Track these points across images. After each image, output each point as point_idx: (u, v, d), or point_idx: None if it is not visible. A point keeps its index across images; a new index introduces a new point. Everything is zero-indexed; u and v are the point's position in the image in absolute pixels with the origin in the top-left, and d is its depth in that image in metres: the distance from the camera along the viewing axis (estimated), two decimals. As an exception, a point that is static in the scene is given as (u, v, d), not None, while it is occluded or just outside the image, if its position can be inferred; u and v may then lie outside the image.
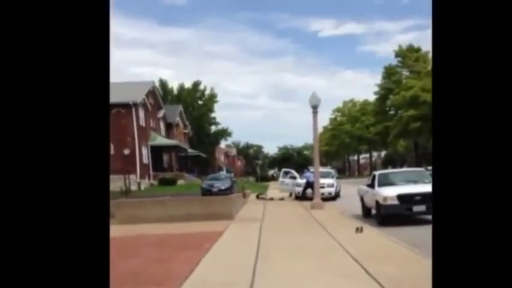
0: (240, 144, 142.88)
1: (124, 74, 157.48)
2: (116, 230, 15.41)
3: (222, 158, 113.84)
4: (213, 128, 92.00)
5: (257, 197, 35.75)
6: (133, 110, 48.17)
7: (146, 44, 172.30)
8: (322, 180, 29.59)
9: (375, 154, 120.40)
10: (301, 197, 31.84)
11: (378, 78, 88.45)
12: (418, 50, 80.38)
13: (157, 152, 54.58)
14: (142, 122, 50.76)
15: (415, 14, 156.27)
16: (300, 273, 9.02)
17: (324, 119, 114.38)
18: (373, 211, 19.11)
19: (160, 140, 56.68)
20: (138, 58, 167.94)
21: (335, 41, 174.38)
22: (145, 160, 50.65)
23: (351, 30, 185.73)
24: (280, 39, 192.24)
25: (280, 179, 39.57)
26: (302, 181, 33.25)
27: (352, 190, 27.89)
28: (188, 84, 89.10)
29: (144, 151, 50.81)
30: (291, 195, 35.40)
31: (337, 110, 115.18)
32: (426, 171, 22.10)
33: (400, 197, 16.81)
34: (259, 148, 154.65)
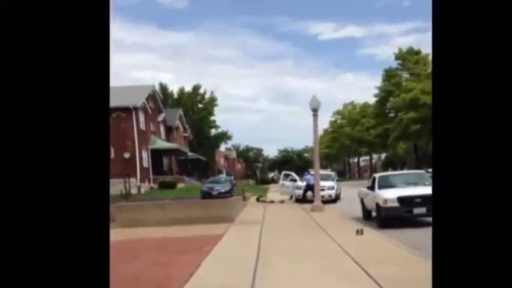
0: (240, 147, 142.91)
1: (124, 78, 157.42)
2: (116, 234, 15.41)
3: (222, 161, 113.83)
4: (213, 131, 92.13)
5: (257, 199, 35.73)
6: (134, 113, 48.23)
7: (146, 48, 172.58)
8: (323, 183, 29.56)
9: (375, 156, 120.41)
10: (302, 200, 31.81)
11: (378, 81, 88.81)
12: (418, 52, 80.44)
13: (157, 155, 54.59)
14: (142, 126, 50.79)
15: (415, 16, 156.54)
16: (300, 276, 9.03)
17: (324, 121, 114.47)
18: (374, 213, 19.11)
19: (161, 143, 56.69)
20: (138, 62, 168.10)
21: (335, 44, 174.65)
22: (145, 164, 50.66)
23: (351, 33, 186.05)
24: (280, 43, 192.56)
25: (281, 182, 39.57)
26: (302, 184, 33.23)
27: (352, 192, 27.87)
28: (188, 88, 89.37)
29: (144, 155, 50.83)
30: (291, 197, 35.38)
31: (337, 112, 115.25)
32: (426, 173, 22.09)
33: (401, 199, 16.81)
34: (259, 151, 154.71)
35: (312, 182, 28.80)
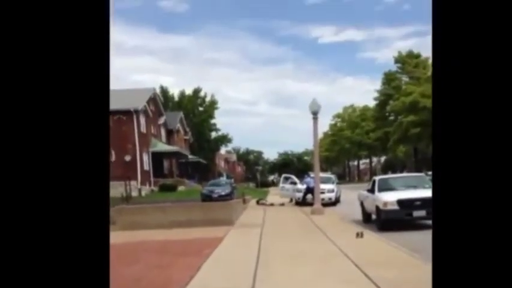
0: (240, 150, 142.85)
1: (125, 81, 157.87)
2: (117, 236, 15.43)
3: (222, 164, 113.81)
4: (214, 134, 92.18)
5: (257, 202, 35.69)
6: (135, 116, 48.28)
7: (147, 51, 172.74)
8: (323, 186, 29.57)
9: (374, 159, 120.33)
10: (302, 203, 31.77)
11: (377, 84, 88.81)
12: (417, 56, 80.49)
13: (158, 158, 54.63)
14: (143, 129, 50.82)
15: (415, 20, 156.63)
16: (300, 279, 9.04)
17: (324, 124, 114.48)
18: (374, 216, 19.10)
19: (161, 146, 56.72)
20: (139, 65, 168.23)
21: (335, 47, 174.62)
22: (146, 166, 50.68)
23: (351, 36, 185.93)
24: (280, 46, 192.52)
25: (281, 185, 39.54)
26: (302, 187, 33.21)
27: (352, 195, 27.88)
28: (189, 91, 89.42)
29: (145, 157, 50.84)
30: (291, 200, 35.36)
31: (337, 115, 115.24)
32: (426, 176, 22.12)
33: (400, 202, 16.81)
34: (259, 154, 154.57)
35: (312, 184, 28.79)
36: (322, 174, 34.16)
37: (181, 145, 68.17)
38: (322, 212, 24.21)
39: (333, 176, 40.64)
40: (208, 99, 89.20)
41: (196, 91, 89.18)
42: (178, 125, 68.82)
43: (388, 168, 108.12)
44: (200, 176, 68.90)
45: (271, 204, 33.63)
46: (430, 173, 29.77)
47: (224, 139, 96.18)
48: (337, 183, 38.73)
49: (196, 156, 71.01)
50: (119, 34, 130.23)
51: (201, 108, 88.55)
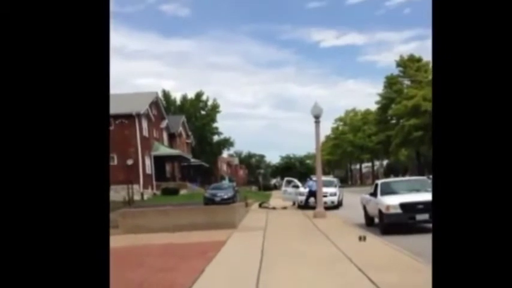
0: (242, 154, 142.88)
1: (127, 85, 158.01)
2: (120, 240, 15.45)
3: (224, 167, 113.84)
4: (216, 138, 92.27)
5: (260, 206, 35.71)
6: (137, 120, 48.37)
7: (149, 56, 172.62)
8: (325, 189, 29.57)
9: (377, 163, 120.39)
10: (304, 206, 31.80)
11: (379, 88, 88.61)
12: (419, 59, 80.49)
13: (160, 162, 54.68)
14: (145, 133, 50.88)
15: (416, 24, 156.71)
16: (303, 282, 9.02)
17: (326, 128, 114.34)
18: (376, 220, 19.09)
19: (163, 150, 56.75)
20: (142, 69, 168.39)
21: (336, 51, 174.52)
22: (148, 170, 50.70)
23: (352, 40, 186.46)
24: (282, 50, 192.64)
25: (283, 188, 39.59)
26: (305, 190, 33.23)
27: (354, 199, 27.85)
28: (191, 95, 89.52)
29: (147, 161, 50.87)
30: (293, 204, 35.37)
31: (339, 119, 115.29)
32: (428, 179, 22.06)
33: (403, 206, 16.79)
34: (261, 157, 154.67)
35: (314, 188, 28.80)
36: (325, 178, 34.12)
37: (184, 149, 68.24)
38: (325, 216, 24.19)
39: (335, 180, 40.67)
40: (210, 103, 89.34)
41: (199, 95, 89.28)
42: (181, 129, 68.92)
43: (390, 171, 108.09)
44: (202, 180, 68.92)
45: (274, 208, 33.64)
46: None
47: (226, 142, 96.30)
48: (340, 187, 38.73)
49: (199, 159, 71.08)
50: (121, 38, 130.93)
51: (203, 112, 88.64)
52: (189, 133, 74.92)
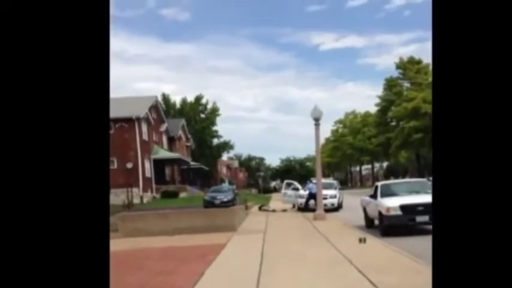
0: (242, 157, 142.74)
1: (127, 89, 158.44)
2: (120, 243, 15.45)
3: (224, 170, 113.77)
4: (215, 141, 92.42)
5: (260, 208, 35.70)
6: (136, 124, 48.45)
7: (149, 60, 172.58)
8: (325, 192, 29.55)
9: (376, 165, 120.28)
10: (304, 209, 31.76)
11: (379, 90, 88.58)
12: (419, 62, 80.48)
13: (159, 165, 54.70)
14: (145, 136, 50.93)
15: (416, 26, 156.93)
16: (303, 284, 9.03)
17: (326, 130, 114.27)
18: (376, 222, 19.10)
19: (163, 153, 56.79)
20: (142, 73, 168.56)
21: (336, 54, 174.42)
22: (147, 173, 50.73)
23: (351, 43, 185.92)
24: (282, 54, 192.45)
25: (283, 191, 39.59)
26: (305, 192, 33.21)
27: (354, 201, 27.86)
28: (191, 98, 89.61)
29: (147, 165, 50.90)
30: (293, 206, 35.35)
31: (339, 121, 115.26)
32: (428, 181, 22.06)
33: (403, 208, 16.79)
34: (261, 160, 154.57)
35: (314, 190, 28.79)
36: (325, 180, 34.12)
37: (183, 152, 68.26)
38: (325, 218, 24.18)
39: (335, 182, 40.67)
40: (210, 106, 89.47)
41: (198, 98, 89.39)
42: (180, 132, 68.97)
43: (390, 173, 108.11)
44: (202, 183, 68.95)
45: (274, 210, 33.63)
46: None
47: (226, 146, 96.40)
48: (340, 189, 38.73)
49: (198, 162, 71.11)
50: (121, 43, 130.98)
51: (202, 115, 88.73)
52: (189, 136, 74.96)
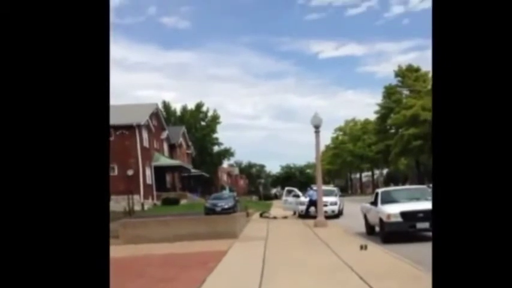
0: (242, 164, 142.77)
1: (128, 97, 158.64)
2: (121, 250, 15.45)
3: (224, 177, 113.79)
4: (216, 148, 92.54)
5: (260, 215, 35.69)
6: (137, 131, 48.51)
7: (150, 67, 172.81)
8: (326, 199, 29.55)
9: (376, 172, 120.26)
10: (305, 216, 31.74)
11: (378, 98, 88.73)
12: (417, 69, 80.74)
13: (160, 172, 54.72)
14: (146, 143, 50.98)
15: (415, 34, 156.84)
16: (304, 292, 9.03)
17: (326, 138, 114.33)
18: (377, 229, 19.09)
19: (164, 160, 56.82)
20: (142, 81, 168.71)
21: (335, 62, 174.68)
22: (148, 180, 50.74)
23: (351, 51, 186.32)
24: (281, 62, 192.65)
25: (284, 198, 39.57)
26: (305, 199, 33.19)
27: (355, 208, 27.85)
28: (191, 106, 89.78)
29: (148, 172, 50.91)
30: (294, 213, 35.33)
31: (339, 129, 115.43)
32: (428, 188, 22.05)
33: (404, 214, 16.79)
34: (261, 167, 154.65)
35: (314, 197, 28.77)
36: (325, 187, 34.15)
37: (184, 159, 68.32)
38: (326, 225, 24.17)
39: (335, 189, 40.70)
40: (210, 113, 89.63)
41: (199, 106, 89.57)
42: (181, 140, 69.06)
43: (390, 180, 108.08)
44: (203, 190, 68.97)
45: (275, 217, 33.60)
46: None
47: (226, 153, 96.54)
48: (340, 196, 38.73)
49: (199, 170, 71.14)
50: (121, 50, 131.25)
51: (203, 123, 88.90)
52: (189, 144, 75.04)
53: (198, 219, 24.02)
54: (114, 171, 44.32)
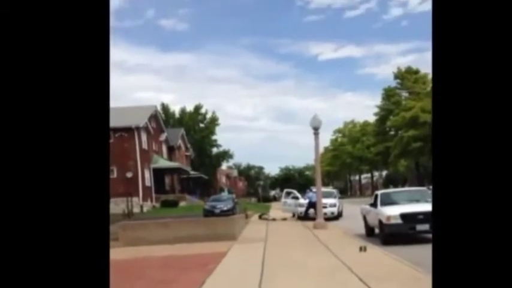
0: (241, 166, 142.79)
1: (127, 99, 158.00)
2: (120, 252, 15.44)
3: (223, 179, 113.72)
4: (215, 150, 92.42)
5: (260, 217, 35.66)
6: (136, 133, 48.45)
7: (149, 70, 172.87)
8: (325, 200, 29.57)
9: (376, 174, 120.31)
10: (304, 217, 31.75)
11: (377, 100, 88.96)
12: (416, 71, 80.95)
13: (159, 174, 54.67)
14: (144, 146, 50.92)
15: (414, 36, 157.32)
16: (303, 294, 9.02)
17: (325, 140, 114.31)
18: (377, 230, 19.08)
19: (163, 162, 56.77)
20: (141, 83, 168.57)
21: (335, 64, 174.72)
22: (147, 183, 50.69)
23: (350, 53, 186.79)
24: (281, 63, 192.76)
25: (283, 200, 39.58)
26: (304, 201, 33.20)
27: (354, 210, 27.86)
28: (190, 108, 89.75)
29: (147, 174, 50.85)
30: (293, 215, 35.32)
31: (338, 131, 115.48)
32: (428, 190, 22.06)
33: (403, 216, 16.78)
34: (260, 169, 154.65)
35: (314, 199, 28.79)
36: (324, 189, 34.14)
37: (183, 161, 68.30)
38: (325, 227, 24.17)
39: (335, 191, 40.73)
40: (209, 115, 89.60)
41: (197, 108, 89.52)
42: (180, 142, 69.00)
43: (389, 182, 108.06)
44: (202, 192, 68.90)
45: (274, 219, 33.58)
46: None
47: (225, 155, 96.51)
48: (339, 198, 38.73)
49: (198, 172, 71.10)
50: (120, 53, 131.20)
51: (202, 125, 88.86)
52: (188, 146, 75.02)
53: (197, 221, 24.03)
54: (113, 174, 44.26)
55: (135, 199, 43.57)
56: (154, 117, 56.63)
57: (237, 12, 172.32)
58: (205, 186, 76.89)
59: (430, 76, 72.23)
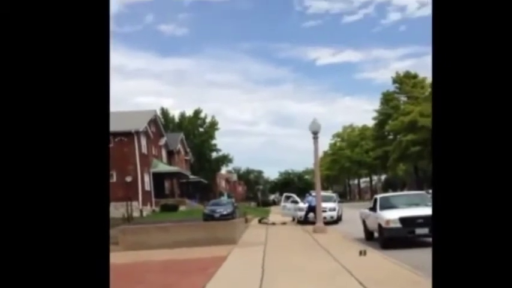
0: (240, 170, 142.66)
1: (127, 104, 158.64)
2: (120, 257, 15.42)
3: (223, 183, 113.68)
4: (214, 155, 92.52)
5: (259, 221, 35.65)
6: (136, 138, 48.47)
7: (148, 74, 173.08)
8: (324, 204, 29.53)
9: (375, 178, 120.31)
10: (304, 221, 31.72)
11: (376, 105, 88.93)
12: (415, 76, 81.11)
13: (159, 178, 54.65)
14: (144, 150, 50.94)
15: (412, 41, 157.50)
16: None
17: (324, 144, 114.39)
18: (376, 234, 19.08)
19: (162, 167, 56.78)
20: (141, 88, 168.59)
21: (333, 68, 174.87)
22: (147, 187, 50.67)
23: (348, 58, 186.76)
24: (280, 68, 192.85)
25: (282, 204, 39.55)
26: (304, 205, 33.19)
27: (353, 214, 27.86)
28: (189, 113, 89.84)
29: (146, 178, 50.84)
30: (293, 219, 35.31)
31: (337, 135, 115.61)
32: (427, 194, 22.07)
33: (403, 220, 16.78)
34: (260, 173, 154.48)
35: (313, 203, 28.78)
36: (324, 193, 34.13)
37: (182, 165, 68.29)
38: (325, 231, 24.15)
39: (334, 195, 40.71)
40: (208, 120, 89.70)
41: (197, 112, 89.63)
42: (179, 146, 69.02)
43: (388, 186, 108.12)
44: (201, 196, 68.89)
45: (273, 223, 33.56)
46: (431, 191, 29.75)
47: (225, 159, 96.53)
48: (339, 202, 38.71)
49: (197, 176, 71.11)
50: (120, 58, 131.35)
51: (201, 129, 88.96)
52: (188, 150, 75.04)
53: (197, 226, 24.01)
54: (113, 178, 44.23)
55: (134, 203, 43.58)
56: (153, 121, 56.68)
57: (236, 17, 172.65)
58: (205, 191, 76.91)
59: (428, 80, 72.48)
